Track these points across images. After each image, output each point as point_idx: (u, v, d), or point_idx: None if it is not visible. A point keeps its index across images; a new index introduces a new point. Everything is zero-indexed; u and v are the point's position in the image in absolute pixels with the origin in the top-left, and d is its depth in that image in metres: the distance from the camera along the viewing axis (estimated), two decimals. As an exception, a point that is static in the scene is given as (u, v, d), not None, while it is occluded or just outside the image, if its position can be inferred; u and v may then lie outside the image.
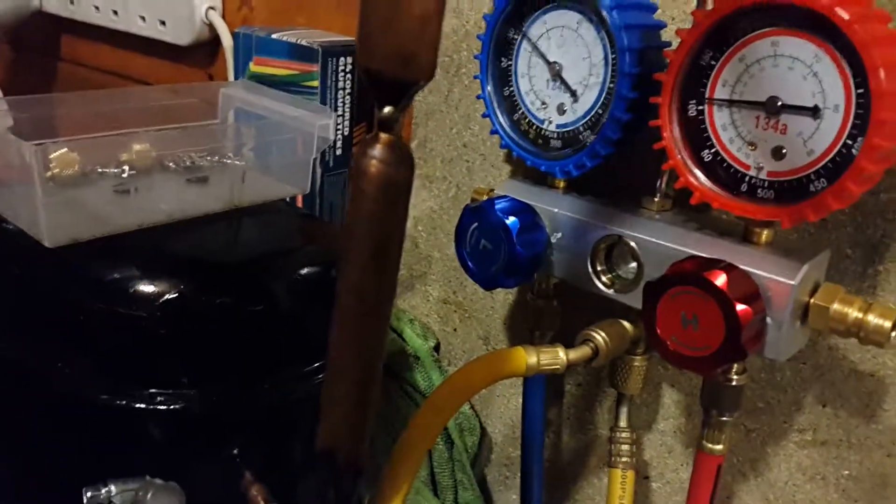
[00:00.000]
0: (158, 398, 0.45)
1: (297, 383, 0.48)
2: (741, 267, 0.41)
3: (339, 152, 0.67)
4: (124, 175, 0.48)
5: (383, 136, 0.29)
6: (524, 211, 0.50)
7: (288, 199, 0.61)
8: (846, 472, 0.50)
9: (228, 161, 0.51)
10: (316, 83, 0.63)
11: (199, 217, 0.50)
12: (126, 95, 0.66)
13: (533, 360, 0.45)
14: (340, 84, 0.64)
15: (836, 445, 0.50)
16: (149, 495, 0.43)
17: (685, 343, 0.41)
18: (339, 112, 0.64)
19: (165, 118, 0.55)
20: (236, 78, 0.71)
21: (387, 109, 0.29)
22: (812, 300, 0.42)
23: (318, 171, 0.63)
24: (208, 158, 0.51)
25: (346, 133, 0.66)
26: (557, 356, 0.46)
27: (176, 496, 0.44)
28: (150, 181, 0.50)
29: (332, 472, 0.37)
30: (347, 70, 0.64)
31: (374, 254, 0.31)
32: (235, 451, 0.48)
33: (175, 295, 0.45)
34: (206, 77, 0.86)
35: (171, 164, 0.52)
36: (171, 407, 0.46)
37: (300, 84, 0.64)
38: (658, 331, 0.42)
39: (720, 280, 0.39)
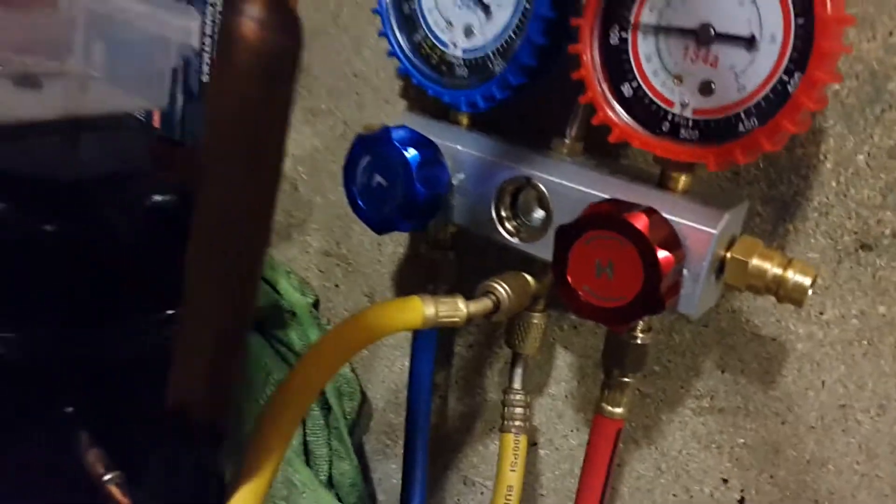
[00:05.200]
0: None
1: (143, 332, 0.40)
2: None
3: (206, 78, 0.57)
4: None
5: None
6: (425, 144, 0.44)
7: (142, 118, 0.52)
8: (741, 440, 0.49)
9: (67, 64, 0.42)
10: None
11: (28, 126, 0.41)
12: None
13: (430, 310, 0.40)
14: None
15: (733, 413, 0.49)
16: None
17: (598, 293, 0.37)
18: (210, 17, 0.54)
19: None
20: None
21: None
22: (729, 254, 0.39)
23: (180, 93, 0.53)
24: (43, 60, 0.42)
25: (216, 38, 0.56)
26: (457, 307, 0.41)
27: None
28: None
29: (186, 436, 0.30)
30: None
31: (245, 156, 0.25)
32: (69, 410, 0.40)
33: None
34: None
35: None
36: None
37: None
38: (569, 279, 0.38)
39: (640, 223, 0.36)
